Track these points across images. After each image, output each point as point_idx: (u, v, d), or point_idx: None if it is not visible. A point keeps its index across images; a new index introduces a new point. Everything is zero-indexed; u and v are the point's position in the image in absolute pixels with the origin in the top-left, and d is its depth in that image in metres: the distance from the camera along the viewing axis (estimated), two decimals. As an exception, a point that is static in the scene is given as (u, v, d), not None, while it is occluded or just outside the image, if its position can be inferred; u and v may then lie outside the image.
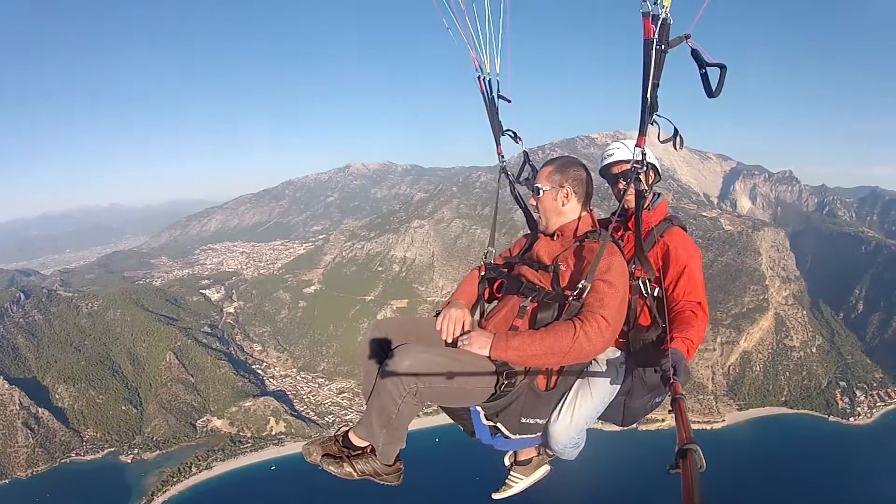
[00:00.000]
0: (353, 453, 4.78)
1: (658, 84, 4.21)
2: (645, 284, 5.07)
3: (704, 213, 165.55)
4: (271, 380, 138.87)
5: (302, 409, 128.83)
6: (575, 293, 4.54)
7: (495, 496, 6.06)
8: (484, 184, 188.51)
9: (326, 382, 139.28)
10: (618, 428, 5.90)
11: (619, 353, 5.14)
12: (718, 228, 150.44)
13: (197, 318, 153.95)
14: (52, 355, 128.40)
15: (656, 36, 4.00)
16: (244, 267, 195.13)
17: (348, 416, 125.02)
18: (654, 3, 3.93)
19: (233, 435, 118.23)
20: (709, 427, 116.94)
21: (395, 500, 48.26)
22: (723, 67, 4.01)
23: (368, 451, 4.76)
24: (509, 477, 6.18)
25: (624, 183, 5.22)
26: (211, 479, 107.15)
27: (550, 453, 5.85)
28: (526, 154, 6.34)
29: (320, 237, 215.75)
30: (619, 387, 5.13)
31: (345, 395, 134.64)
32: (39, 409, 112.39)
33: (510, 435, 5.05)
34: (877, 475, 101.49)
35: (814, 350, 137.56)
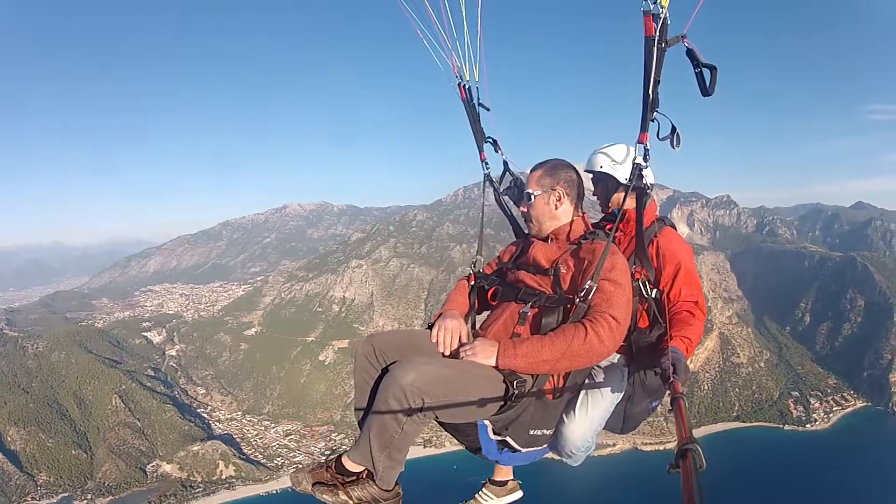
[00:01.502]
0: (347, 480, 4.44)
1: (659, 81, 4.44)
2: (645, 286, 5.08)
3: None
4: (217, 423, 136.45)
5: (250, 452, 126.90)
6: (581, 294, 4.43)
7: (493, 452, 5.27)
8: (420, 223, 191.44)
9: (273, 425, 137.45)
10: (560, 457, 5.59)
11: (619, 356, 5.18)
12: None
13: (140, 361, 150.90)
14: (2, 396, 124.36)
15: (657, 34, 4.25)
16: (184, 309, 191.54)
17: (297, 458, 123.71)
18: (654, 3, 4.20)
19: (183, 480, 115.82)
20: (661, 447, 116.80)
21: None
22: (713, 69, 4.33)
23: (364, 476, 4.44)
24: (480, 493, 6.23)
25: (601, 190, 5.97)
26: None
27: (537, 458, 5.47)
28: (506, 163, 6.31)
29: (259, 278, 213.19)
30: (625, 390, 5.18)
31: (292, 437, 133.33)
32: None
33: (519, 448, 4.84)
34: (843, 472, 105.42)
35: (762, 364, 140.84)
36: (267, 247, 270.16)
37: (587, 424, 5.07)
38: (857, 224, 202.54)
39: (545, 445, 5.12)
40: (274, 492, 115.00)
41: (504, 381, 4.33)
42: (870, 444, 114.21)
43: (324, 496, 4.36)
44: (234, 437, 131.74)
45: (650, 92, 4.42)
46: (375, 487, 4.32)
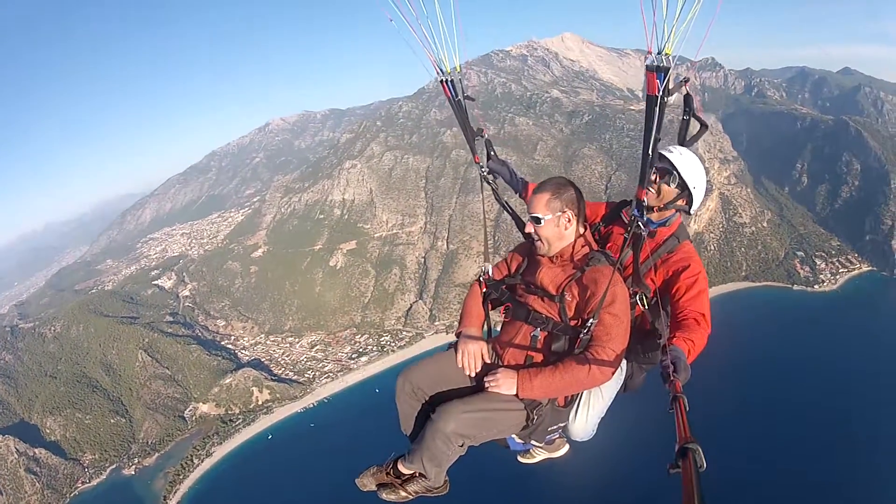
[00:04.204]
0: (404, 480, 5.37)
1: (660, 139, 4.17)
2: (642, 299, 5.13)
3: (632, 108, 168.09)
4: (243, 351, 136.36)
5: (280, 371, 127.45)
6: (584, 330, 4.82)
7: (520, 459, 6.66)
8: (406, 112, 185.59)
9: (297, 340, 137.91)
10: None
11: None
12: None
13: (157, 310, 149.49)
14: (32, 391, 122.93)
15: (661, 91, 3.85)
16: (188, 248, 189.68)
17: (327, 368, 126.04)
18: (659, 54, 3.72)
19: (222, 415, 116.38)
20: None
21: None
22: (704, 127, 4.48)
23: (417, 475, 5.31)
24: (533, 448, 6.48)
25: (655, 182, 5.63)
26: (215, 466, 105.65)
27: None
28: (489, 143, 6.21)
29: (255, 200, 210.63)
30: (622, 379, 5.44)
31: (317, 347, 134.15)
32: (36, 450, 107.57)
33: (538, 444, 5.89)
34: (853, 337, 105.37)
35: (765, 224, 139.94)
36: (257, 167, 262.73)
37: (588, 423, 5.50)
38: (846, 90, 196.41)
39: (560, 431, 5.65)
40: (311, 405, 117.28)
41: (525, 409, 5.06)
42: (880, 309, 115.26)
43: (388, 496, 5.41)
44: (262, 360, 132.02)
45: (651, 151, 4.32)
46: (428, 483, 5.31)
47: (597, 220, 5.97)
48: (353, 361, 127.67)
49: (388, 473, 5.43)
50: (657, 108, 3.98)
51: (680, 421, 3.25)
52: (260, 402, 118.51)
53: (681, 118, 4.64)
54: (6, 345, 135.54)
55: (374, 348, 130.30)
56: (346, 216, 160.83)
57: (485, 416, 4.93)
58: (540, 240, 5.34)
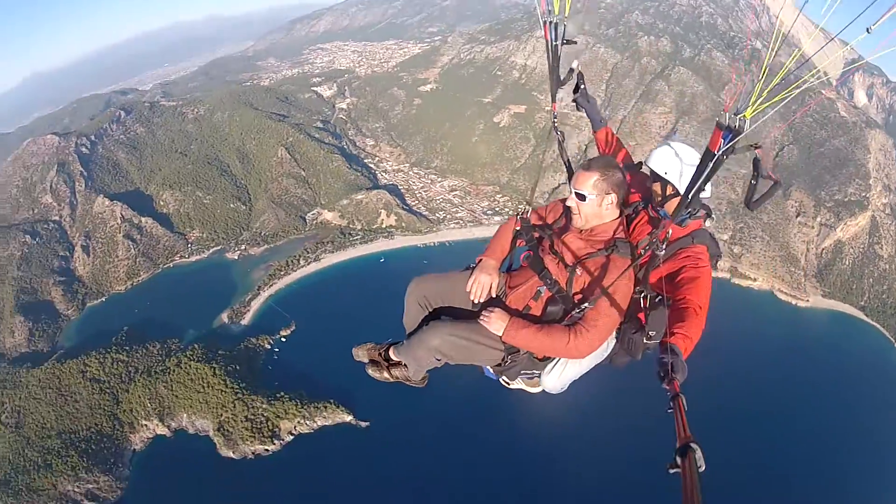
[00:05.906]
0: (391, 364, 6.13)
1: (703, 190, 4.19)
2: (644, 298, 5.17)
3: (822, 91, 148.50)
4: (384, 174, 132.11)
5: (413, 203, 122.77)
6: (579, 309, 5.10)
7: (501, 380, 6.46)
8: (609, 6, 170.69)
9: (439, 179, 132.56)
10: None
11: None
12: (834, 111, 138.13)
13: (308, 115, 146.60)
14: (156, 163, 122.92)
15: (721, 150, 3.78)
16: (357, 65, 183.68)
17: (459, 214, 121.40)
18: (735, 115, 3.65)
19: (343, 227, 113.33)
20: (794, 302, 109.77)
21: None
22: (777, 184, 4.19)
23: (403, 364, 6.03)
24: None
25: (659, 187, 5.68)
26: (319, 271, 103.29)
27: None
28: (580, 75, 6.31)
29: (436, 38, 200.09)
30: (607, 354, 5.61)
31: (456, 192, 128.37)
32: (142, 219, 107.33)
33: (508, 381, 6.13)
34: None
35: None
36: (446, 9, 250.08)
37: (560, 380, 5.80)
38: None
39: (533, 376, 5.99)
40: (432, 244, 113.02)
41: (503, 351, 5.46)
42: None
43: (373, 373, 6.24)
44: (399, 188, 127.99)
45: (689, 196, 4.40)
46: (409, 373, 6.05)
47: (638, 200, 5.82)
48: (486, 217, 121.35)
49: (380, 353, 6.16)
50: (711, 164, 3.91)
51: (679, 420, 3.22)
52: (384, 226, 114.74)
53: (750, 181, 4.28)
54: (141, 118, 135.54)
55: (510, 212, 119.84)
56: (524, 81, 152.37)
57: (466, 344, 5.34)
58: (578, 214, 5.48)
